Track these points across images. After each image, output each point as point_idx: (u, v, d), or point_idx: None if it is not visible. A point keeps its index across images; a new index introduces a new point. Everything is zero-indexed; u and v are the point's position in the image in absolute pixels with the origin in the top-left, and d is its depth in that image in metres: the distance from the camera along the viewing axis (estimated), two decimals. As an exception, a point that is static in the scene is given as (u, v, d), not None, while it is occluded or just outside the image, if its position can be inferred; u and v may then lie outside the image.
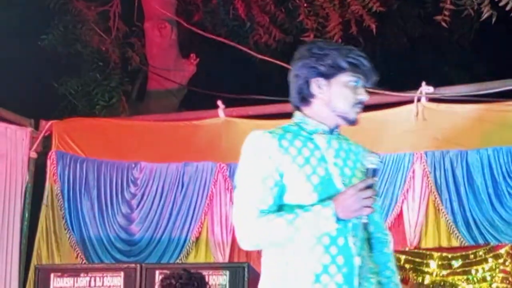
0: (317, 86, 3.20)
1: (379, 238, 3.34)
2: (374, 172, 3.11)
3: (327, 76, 3.18)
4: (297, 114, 3.28)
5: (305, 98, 3.24)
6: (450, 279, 6.25)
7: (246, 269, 6.08)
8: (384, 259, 3.31)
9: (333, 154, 3.18)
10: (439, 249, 6.42)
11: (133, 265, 6.36)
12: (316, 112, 3.22)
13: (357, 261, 3.10)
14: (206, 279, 5.45)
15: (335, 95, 3.18)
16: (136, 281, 6.19)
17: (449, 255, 6.31)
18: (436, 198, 6.53)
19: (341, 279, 3.06)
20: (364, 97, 3.21)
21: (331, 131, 3.23)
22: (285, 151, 3.12)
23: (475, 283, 6.20)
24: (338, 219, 3.03)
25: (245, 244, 3.14)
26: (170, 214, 7.10)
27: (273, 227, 3.04)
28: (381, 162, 3.16)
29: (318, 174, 3.13)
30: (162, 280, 5.07)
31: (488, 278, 6.19)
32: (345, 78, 3.19)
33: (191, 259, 6.92)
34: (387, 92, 6.83)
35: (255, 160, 3.14)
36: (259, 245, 3.15)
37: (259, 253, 3.30)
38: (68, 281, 6.27)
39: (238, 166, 3.21)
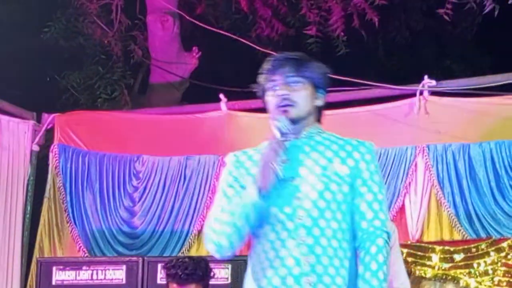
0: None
1: (364, 230, 3.23)
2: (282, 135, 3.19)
3: (262, 95, 3.40)
4: None
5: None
6: (452, 272, 6.25)
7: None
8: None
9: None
10: (441, 242, 6.42)
11: (135, 258, 6.35)
12: None
13: (290, 262, 3.24)
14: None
15: (267, 106, 3.36)
16: (138, 274, 6.19)
17: (451, 249, 6.31)
18: (438, 192, 6.52)
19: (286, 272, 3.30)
20: (280, 92, 3.28)
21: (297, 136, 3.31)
22: (240, 165, 3.33)
23: (477, 277, 6.20)
24: (260, 192, 3.15)
25: (207, 244, 3.37)
26: (172, 207, 7.10)
27: (219, 216, 3.24)
28: (285, 126, 3.21)
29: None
30: (168, 268, 5.02)
31: (490, 272, 6.19)
32: (265, 87, 3.36)
33: (193, 252, 6.91)
34: (389, 86, 6.84)
35: (221, 177, 3.39)
36: (218, 241, 3.35)
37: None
38: (70, 274, 6.27)
39: None
